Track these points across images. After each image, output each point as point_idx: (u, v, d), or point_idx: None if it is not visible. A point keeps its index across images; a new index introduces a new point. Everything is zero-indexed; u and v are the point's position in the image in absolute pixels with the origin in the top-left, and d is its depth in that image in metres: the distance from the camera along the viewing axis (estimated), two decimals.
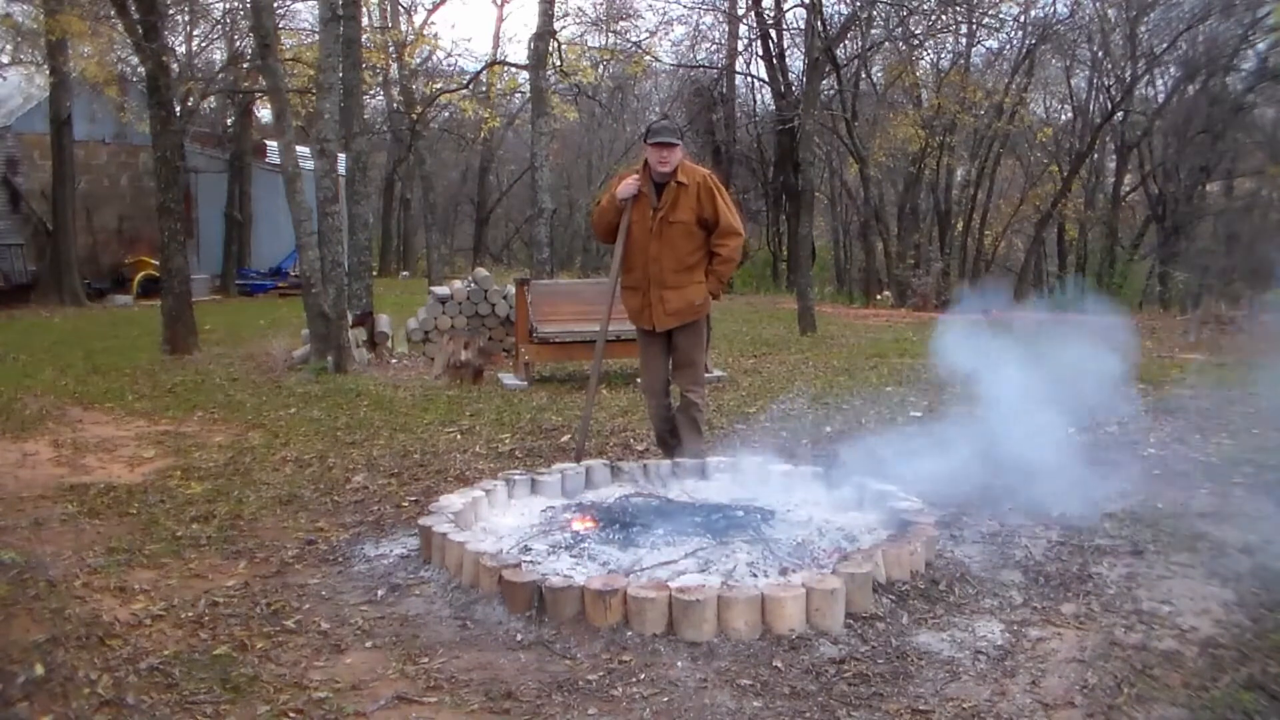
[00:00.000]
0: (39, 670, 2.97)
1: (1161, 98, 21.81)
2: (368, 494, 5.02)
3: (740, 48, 24.08)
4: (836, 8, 21.79)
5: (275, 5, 15.42)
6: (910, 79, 21.75)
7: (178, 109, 13.95)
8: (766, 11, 22.30)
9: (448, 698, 2.84)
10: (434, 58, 24.38)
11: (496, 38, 38.67)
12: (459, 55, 51.02)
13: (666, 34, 38.67)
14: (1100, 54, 21.52)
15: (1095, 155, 23.26)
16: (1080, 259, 24.36)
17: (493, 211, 30.71)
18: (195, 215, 20.63)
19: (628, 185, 4.98)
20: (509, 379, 8.56)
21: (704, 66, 23.98)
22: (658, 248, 4.96)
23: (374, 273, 13.82)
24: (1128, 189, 23.75)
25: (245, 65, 19.46)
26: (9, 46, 17.96)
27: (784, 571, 3.59)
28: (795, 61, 22.73)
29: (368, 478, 5.32)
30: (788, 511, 4.32)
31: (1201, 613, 3.38)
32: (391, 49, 20.27)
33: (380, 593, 3.63)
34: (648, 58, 23.03)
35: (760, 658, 3.05)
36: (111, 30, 15.24)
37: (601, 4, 25.95)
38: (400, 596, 3.59)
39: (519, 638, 3.20)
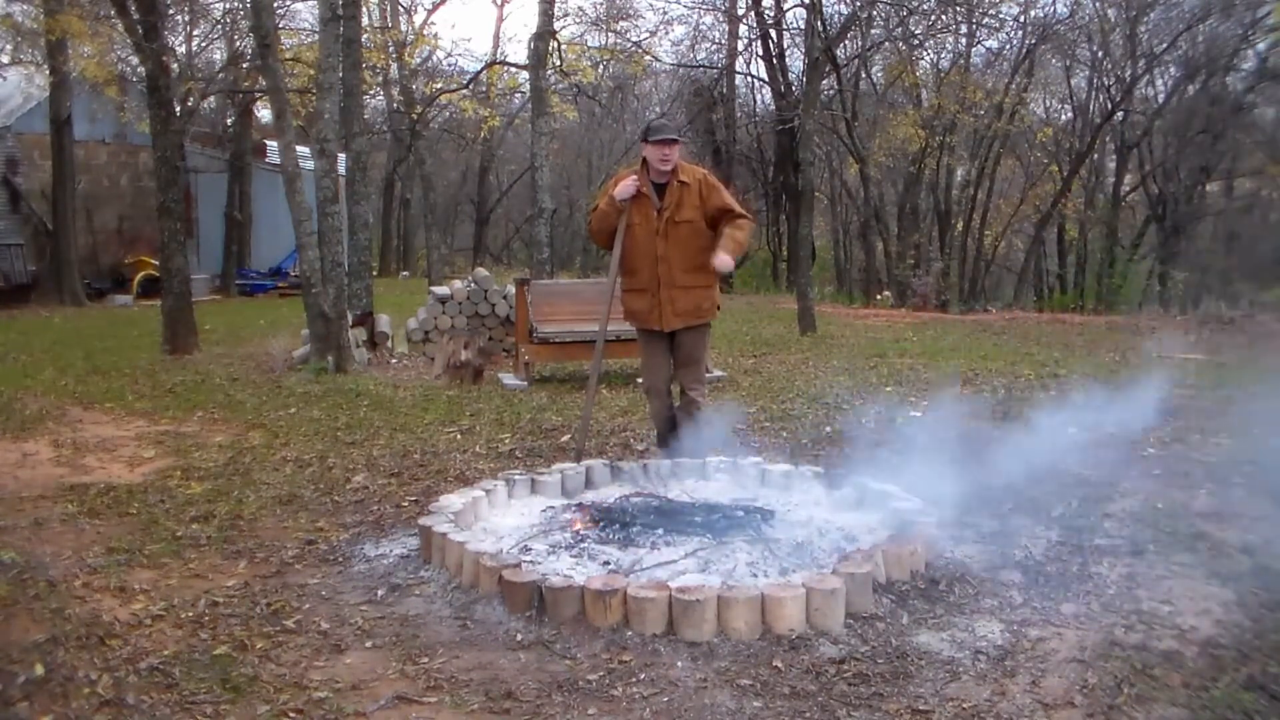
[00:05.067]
0: (39, 670, 2.97)
1: (1161, 98, 21.83)
2: (368, 494, 5.02)
3: (740, 48, 24.12)
4: (836, 8, 21.78)
5: (275, 5, 15.42)
6: (910, 79, 21.75)
7: (178, 109, 13.95)
8: (766, 11, 22.32)
9: (448, 698, 2.84)
10: (434, 58, 24.42)
11: (496, 38, 38.73)
12: (459, 55, 51.12)
13: (666, 34, 38.96)
14: (1100, 54, 21.52)
15: (1095, 155, 23.25)
16: (1080, 259, 24.34)
17: (493, 211, 30.71)
18: (195, 215, 20.62)
19: (626, 186, 4.96)
20: (509, 379, 8.56)
21: (704, 66, 23.99)
22: (665, 248, 4.96)
23: (374, 273, 13.84)
24: (1128, 189, 23.75)
25: (245, 65, 19.45)
26: (9, 46, 17.98)
27: (784, 571, 3.59)
28: (795, 61, 22.76)
29: (368, 478, 5.32)
30: (788, 511, 4.32)
31: (1201, 613, 3.38)
32: (391, 49, 20.27)
33: (380, 593, 3.63)
34: (648, 58, 23.04)
35: (760, 658, 3.05)
36: (111, 30, 15.24)
37: (601, 4, 25.98)
38: (400, 596, 3.59)
39: (519, 638, 3.20)
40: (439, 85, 22.36)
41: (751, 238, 5.29)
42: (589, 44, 23.35)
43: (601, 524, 4.09)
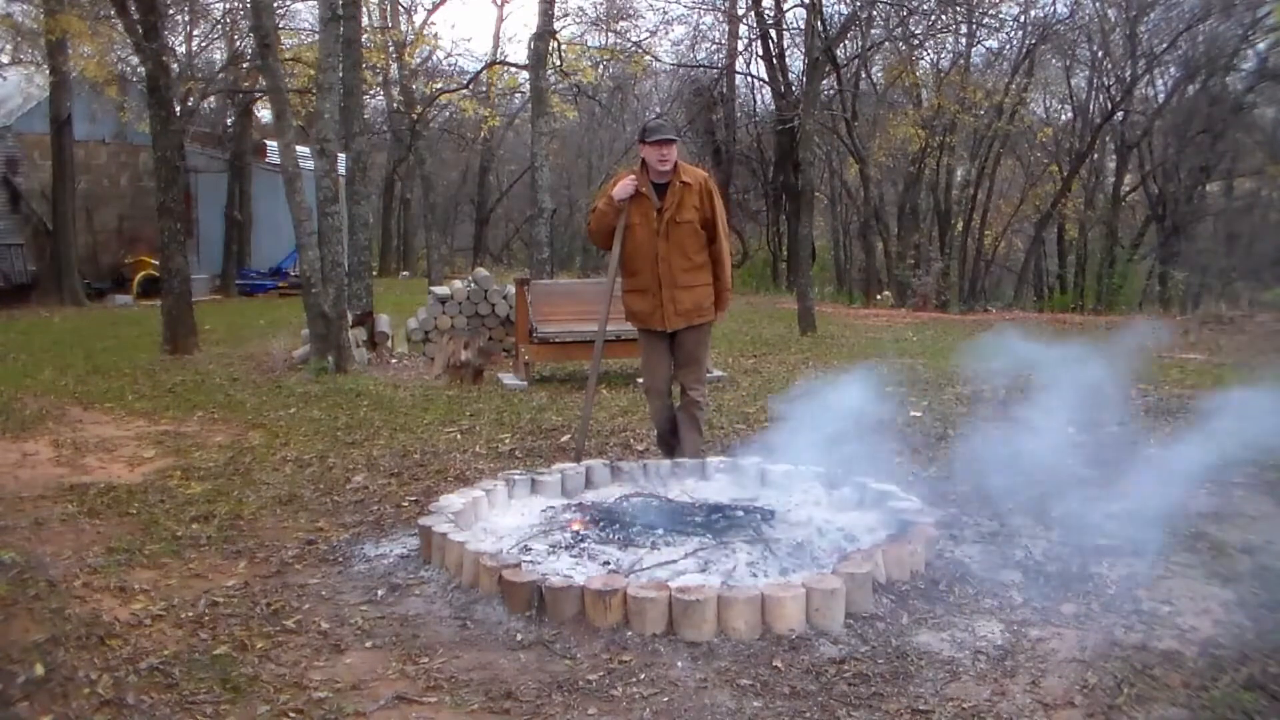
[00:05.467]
0: (39, 670, 2.97)
1: (1161, 98, 21.82)
2: (368, 494, 5.02)
3: (740, 48, 24.06)
4: (836, 8, 21.82)
5: (275, 5, 15.42)
6: (910, 79, 21.73)
7: (178, 109, 13.94)
8: (766, 11, 22.28)
9: (448, 698, 2.84)
10: (434, 58, 24.40)
11: (496, 38, 38.66)
12: (459, 55, 51.07)
13: (666, 34, 38.85)
14: (1100, 54, 21.51)
15: (1095, 155, 23.24)
16: (1080, 259, 24.34)
17: (493, 211, 30.69)
18: (195, 215, 20.62)
19: (625, 185, 4.97)
20: (509, 379, 8.56)
21: (704, 66, 23.96)
22: (666, 248, 4.96)
23: (374, 273, 13.83)
24: (1128, 189, 23.74)
25: (245, 65, 19.45)
26: (9, 46, 17.97)
27: (784, 571, 3.59)
28: (795, 61, 22.71)
29: (368, 478, 5.32)
30: (788, 511, 4.32)
31: (1201, 613, 3.38)
32: (391, 49, 20.26)
33: (380, 593, 3.63)
34: (648, 58, 23.02)
35: (760, 658, 3.05)
36: (111, 30, 15.25)
37: (601, 4, 25.96)
38: (400, 596, 3.60)
39: (519, 638, 3.20)
40: (439, 85, 22.35)
41: (729, 260, 5.33)
42: (589, 44, 23.35)
43: (601, 524, 4.09)
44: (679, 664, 3.02)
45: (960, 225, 23.34)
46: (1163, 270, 20.39)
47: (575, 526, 4.10)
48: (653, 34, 35.18)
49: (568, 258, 28.42)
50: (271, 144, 19.35)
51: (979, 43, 22.19)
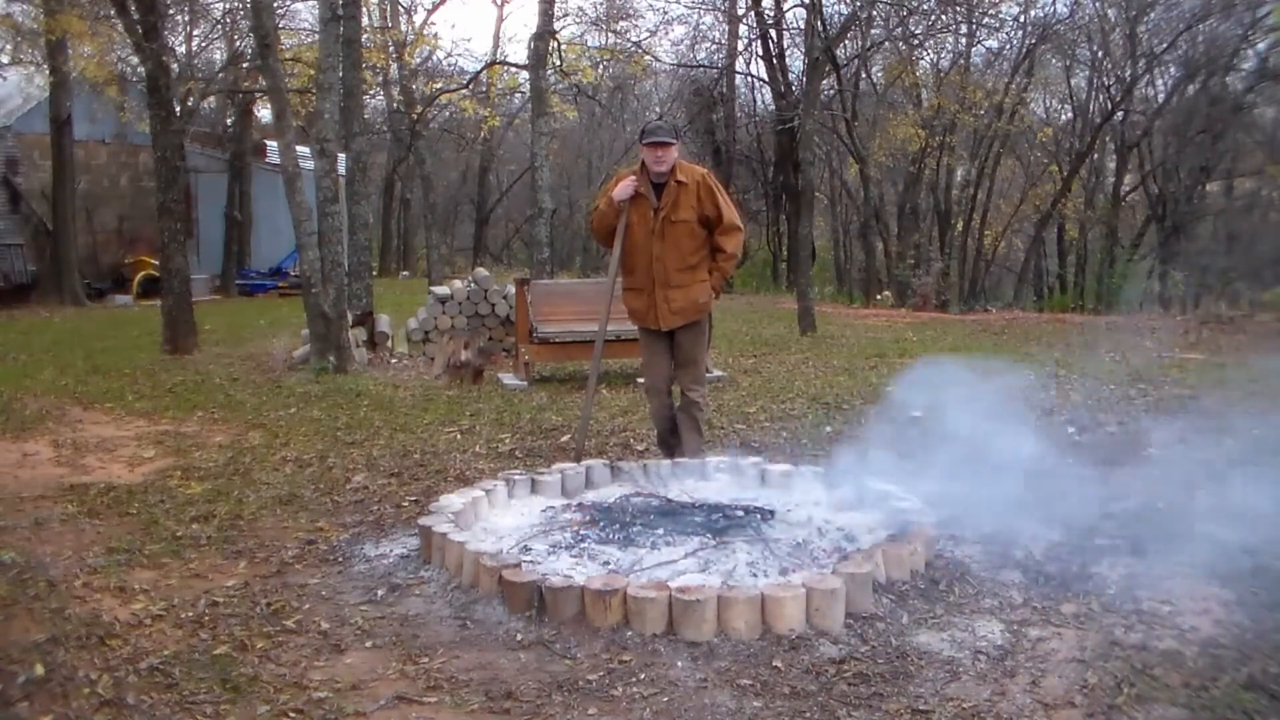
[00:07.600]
0: (39, 670, 2.97)
1: (1161, 98, 21.82)
2: (368, 494, 5.02)
3: (740, 48, 24.09)
4: (836, 8, 21.81)
5: (275, 5, 15.42)
6: (910, 79, 21.75)
7: (178, 109, 13.94)
8: (766, 11, 22.30)
9: (448, 698, 2.84)
10: (434, 58, 24.41)
11: (496, 38, 38.62)
12: (459, 55, 51.11)
13: (666, 34, 38.97)
14: (1100, 54, 21.52)
15: (1095, 155, 23.25)
16: (1080, 259, 24.34)
17: (493, 211, 30.69)
18: (195, 215, 20.62)
19: (625, 186, 4.98)
20: (509, 379, 8.56)
21: (704, 66, 23.97)
22: (661, 248, 4.97)
23: (374, 273, 13.84)
24: (1128, 189, 23.74)
25: (245, 65, 19.46)
26: (9, 46, 17.97)
27: (784, 571, 3.59)
28: (795, 61, 22.74)
29: (368, 478, 5.32)
30: (788, 511, 4.32)
31: (1201, 613, 3.38)
32: (391, 49, 20.26)
33: (380, 593, 3.63)
34: (648, 58, 23.04)
35: (760, 658, 3.05)
36: (111, 30, 15.25)
37: (601, 4, 25.97)
38: (400, 596, 3.59)
39: (519, 638, 3.20)
40: (439, 85, 22.35)
41: (739, 251, 5.28)
42: (589, 44, 23.35)
43: (601, 524, 4.09)
44: (679, 664, 3.02)
45: (960, 225, 23.35)
46: (1163, 270, 20.38)
47: (576, 526, 4.10)
48: (653, 34, 35.30)
49: (568, 258, 28.42)
50: (271, 144, 19.36)
51: (979, 43, 22.24)
